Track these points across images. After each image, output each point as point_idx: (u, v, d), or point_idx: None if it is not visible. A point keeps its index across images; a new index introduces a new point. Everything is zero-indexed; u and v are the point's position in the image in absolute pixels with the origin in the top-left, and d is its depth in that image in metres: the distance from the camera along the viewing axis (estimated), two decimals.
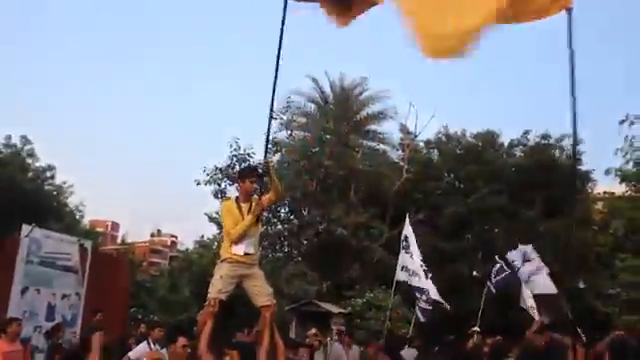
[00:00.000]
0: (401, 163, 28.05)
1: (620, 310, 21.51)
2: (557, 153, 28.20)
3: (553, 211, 24.64)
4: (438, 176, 29.18)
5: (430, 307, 15.42)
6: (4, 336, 7.45)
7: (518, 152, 30.18)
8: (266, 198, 5.10)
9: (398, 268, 15.38)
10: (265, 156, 5.89)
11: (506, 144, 30.35)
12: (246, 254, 4.79)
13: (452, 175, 29.82)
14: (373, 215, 25.38)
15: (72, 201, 33.42)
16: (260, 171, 5.48)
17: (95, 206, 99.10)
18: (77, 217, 33.69)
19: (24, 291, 13.96)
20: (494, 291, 16.15)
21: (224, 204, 5.39)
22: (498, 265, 16.20)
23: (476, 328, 14.20)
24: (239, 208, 4.94)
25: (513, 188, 27.57)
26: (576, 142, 4.98)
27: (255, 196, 5.14)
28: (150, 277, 35.60)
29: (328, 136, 26.51)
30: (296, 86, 27.52)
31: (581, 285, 23.56)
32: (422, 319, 15.60)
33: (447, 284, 22.80)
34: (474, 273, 23.70)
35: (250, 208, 4.92)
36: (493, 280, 16.12)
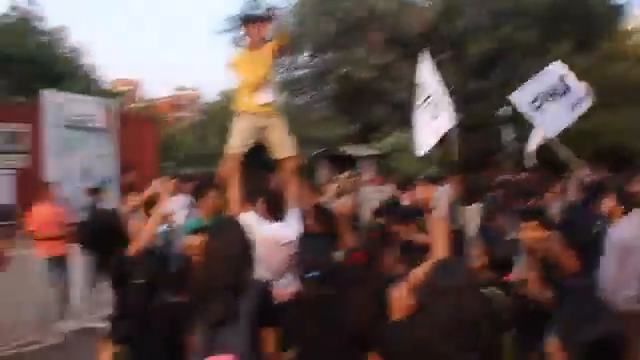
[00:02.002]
0: (423, 1, 26.69)
1: None
2: None
3: (585, 45, 23.60)
4: (463, 13, 27.78)
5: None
6: (44, 200, 7.65)
7: None
8: (275, 43, 4.77)
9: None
10: None
11: None
12: (265, 104, 4.57)
13: (478, 11, 28.33)
14: (397, 56, 24.64)
15: (89, 62, 33.02)
16: (267, 15, 5.08)
17: (116, 65, 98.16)
18: (97, 78, 33.38)
19: (58, 155, 14.26)
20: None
21: (236, 55, 5.08)
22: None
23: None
24: (252, 55, 4.66)
25: (543, 22, 26.24)
26: None
27: (268, 42, 4.85)
28: (177, 132, 36.01)
29: None
30: None
31: None
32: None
33: (473, 123, 22.64)
34: (501, 111, 23.28)
35: (263, 55, 4.64)
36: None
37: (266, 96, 4.57)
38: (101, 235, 3.85)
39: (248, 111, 4.56)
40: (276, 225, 4.11)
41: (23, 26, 28.78)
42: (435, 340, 2.20)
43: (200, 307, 2.76)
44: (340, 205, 6.07)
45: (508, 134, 15.53)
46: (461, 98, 19.82)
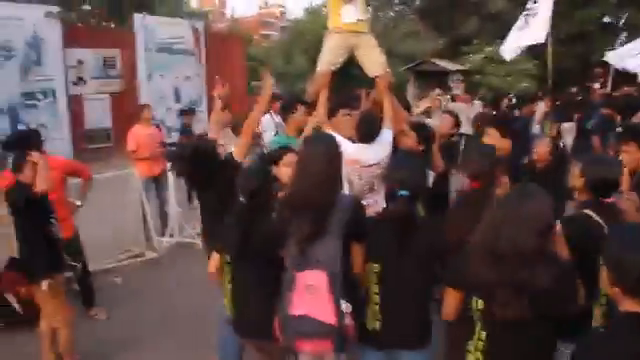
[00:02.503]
0: None
1: None
2: None
3: None
4: None
5: None
6: (140, 121, 7.90)
7: None
8: None
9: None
10: None
11: None
12: (357, 21, 4.41)
13: None
14: None
15: None
16: None
17: None
18: None
19: (150, 78, 14.69)
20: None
21: None
22: None
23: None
24: None
25: None
26: None
27: None
28: (263, 50, 36.06)
29: None
30: None
31: None
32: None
33: (576, 30, 21.16)
34: (605, 19, 21.61)
35: None
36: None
37: (356, 13, 4.39)
38: (198, 171, 3.91)
39: (338, 29, 4.42)
40: (358, 146, 4.03)
41: None
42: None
43: (292, 222, 2.79)
44: (441, 124, 5.90)
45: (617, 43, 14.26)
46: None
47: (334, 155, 2.88)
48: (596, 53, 19.96)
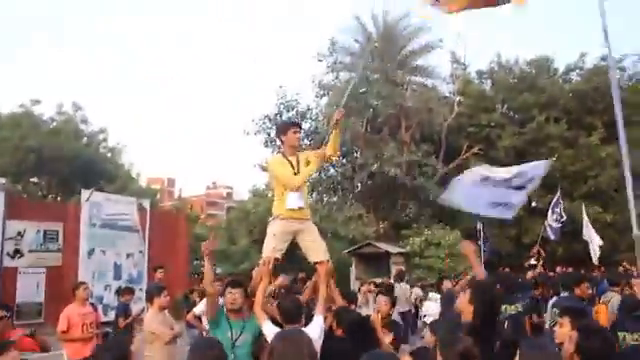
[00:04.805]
0: (452, 96, 27.17)
1: None
2: (617, 74, 26.75)
3: (615, 136, 23.59)
4: (492, 107, 28.22)
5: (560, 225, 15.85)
6: (75, 300, 7.61)
7: (575, 77, 28.88)
8: (321, 153, 4.89)
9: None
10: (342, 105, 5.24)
11: (561, 69, 29.09)
12: (299, 208, 4.62)
13: (506, 105, 28.79)
14: (426, 152, 24.87)
15: (126, 161, 34.22)
16: (299, 122, 5.25)
17: (151, 164, 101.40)
18: (133, 176, 34.40)
19: (91, 253, 14.46)
20: (552, 237, 16.22)
21: (272, 160, 5.10)
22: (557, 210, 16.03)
23: (533, 261, 14.03)
24: (290, 162, 4.73)
25: (571, 115, 26.52)
26: None
27: (307, 152, 4.97)
28: (208, 230, 36.29)
29: (375, 75, 25.79)
30: (340, 25, 26.90)
31: None
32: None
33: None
34: (533, 204, 23.11)
35: (298, 161, 4.72)
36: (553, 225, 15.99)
37: (300, 201, 4.62)
38: None
39: (282, 215, 4.61)
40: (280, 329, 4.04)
41: (67, 128, 30.16)
42: None
43: None
44: (378, 305, 5.95)
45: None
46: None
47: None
48: (528, 234, 21.22)
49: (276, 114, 25.63)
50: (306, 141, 24.12)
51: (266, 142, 25.82)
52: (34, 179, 29.12)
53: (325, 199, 27.55)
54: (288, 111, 25.88)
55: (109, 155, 32.71)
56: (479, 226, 17.24)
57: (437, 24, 30.50)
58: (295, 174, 4.63)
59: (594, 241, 16.05)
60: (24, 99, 29.81)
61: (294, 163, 4.70)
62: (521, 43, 68.60)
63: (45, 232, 14.77)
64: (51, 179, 28.51)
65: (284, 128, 4.99)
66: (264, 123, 25.71)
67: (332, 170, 26.69)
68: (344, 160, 26.48)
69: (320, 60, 26.73)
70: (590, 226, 16.34)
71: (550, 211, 16.08)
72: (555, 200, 16.16)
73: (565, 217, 16.20)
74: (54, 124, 30.64)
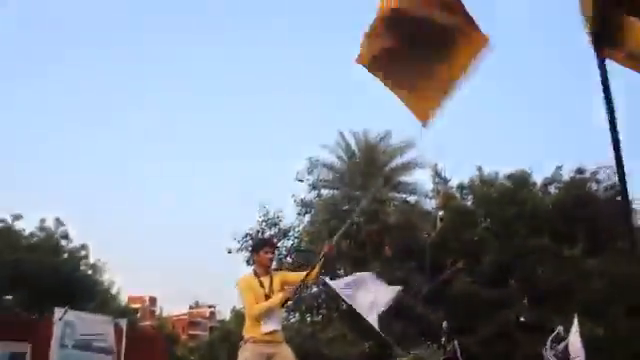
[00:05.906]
0: (435, 212, 27.40)
1: None
2: (594, 186, 27.28)
3: (598, 247, 23.75)
4: (474, 222, 28.41)
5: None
6: None
7: (553, 189, 29.43)
8: (299, 278, 4.80)
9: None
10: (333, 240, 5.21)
11: (539, 182, 29.69)
12: (272, 331, 4.43)
13: (489, 220, 29.00)
14: (410, 269, 24.65)
15: (106, 279, 33.48)
16: (275, 241, 5.25)
17: (132, 282, 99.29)
18: (112, 294, 33.57)
19: None
20: None
21: (242, 279, 4.93)
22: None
23: None
24: (260, 283, 4.61)
25: (553, 226, 26.72)
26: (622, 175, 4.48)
27: (284, 273, 4.92)
28: (189, 351, 35.08)
29: (357, 192, 26.11)
30: (322, 142, 27.48)
31: None
32: None
33: (495, 332, 21.93)
34: (521, 319, 22.74)
35: (271, 282, 4.61)
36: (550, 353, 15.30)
37: (272, 324, 4.46)
38: None
39: (255, 339, 4.43)
40: None
41: (47, 244, 29.78)
42: None
43: None
44: None
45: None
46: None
47: None
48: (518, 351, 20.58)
49: (258, 231, 25.58)
50: (288, 259, 23.92)
51: (248, 260, 25.50)
52: (8, 297, 28.29)
53: (308, 318, 26.88)
54: (270, 228, 25.87)
55: (90, 272, 32.09)
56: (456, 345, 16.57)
57: (419, 140, 31.27)
58: (266, 295, 4.50)
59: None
60: (4, 214, 29.41)
61: (266, 284, 4.60)
62: (500, 156, 70.05)
63: (12, 354, 14.13)
64: (26, 296, 27.70)
65: (258, 246, 4.99)
66: (246, 241, 25.53)
67: (315, 288, 26.26)
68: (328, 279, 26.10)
69: (300, 180, 27.08)
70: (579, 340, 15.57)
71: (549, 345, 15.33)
72: (555, 335, 15.37)
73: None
74: (34, 239, 30.28)
